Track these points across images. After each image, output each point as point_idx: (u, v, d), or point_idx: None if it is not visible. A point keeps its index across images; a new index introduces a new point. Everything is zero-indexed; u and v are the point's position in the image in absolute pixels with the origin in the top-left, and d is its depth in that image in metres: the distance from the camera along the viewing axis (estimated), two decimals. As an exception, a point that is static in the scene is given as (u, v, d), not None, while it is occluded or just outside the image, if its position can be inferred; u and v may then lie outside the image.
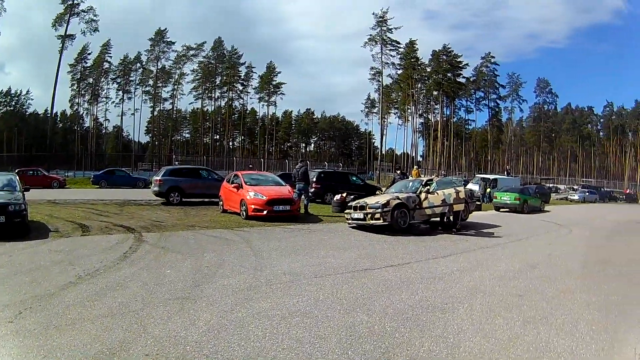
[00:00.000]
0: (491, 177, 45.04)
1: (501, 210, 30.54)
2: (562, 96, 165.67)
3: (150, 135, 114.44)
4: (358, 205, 16.80)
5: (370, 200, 16.86)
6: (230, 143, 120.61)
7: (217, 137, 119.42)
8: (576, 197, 56.86)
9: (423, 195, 16.90)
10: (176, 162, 59.86)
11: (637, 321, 7.02)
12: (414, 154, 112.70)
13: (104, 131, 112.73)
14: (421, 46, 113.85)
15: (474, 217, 22.12)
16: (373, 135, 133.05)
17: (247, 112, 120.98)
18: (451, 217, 16.96)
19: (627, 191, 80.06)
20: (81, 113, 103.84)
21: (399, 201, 16.27)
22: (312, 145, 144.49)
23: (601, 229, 22.94)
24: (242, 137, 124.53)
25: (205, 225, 16.50)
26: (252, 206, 17.77)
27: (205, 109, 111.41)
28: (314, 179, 24.41)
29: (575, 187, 72.07)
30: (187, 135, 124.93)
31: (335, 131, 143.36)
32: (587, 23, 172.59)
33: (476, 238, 16.14)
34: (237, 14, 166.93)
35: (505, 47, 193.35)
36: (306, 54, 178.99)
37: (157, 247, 11.81)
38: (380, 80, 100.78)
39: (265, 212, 17.64)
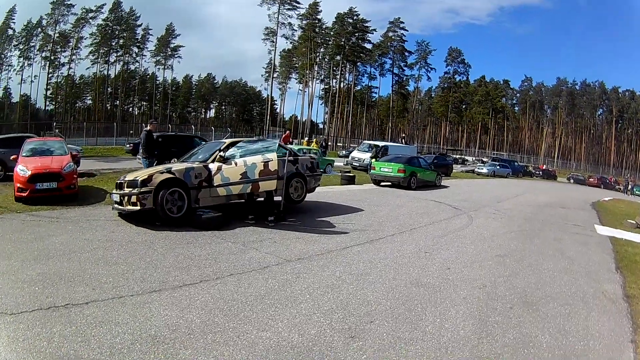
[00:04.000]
0: (381, 143, 38.43)
1: (382, 184, 23.92)
2: (478, 70, 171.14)
3: (53, 103, 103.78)
4: (118, 182, 11.53)
5: (131, 176, 11.36)
6: (131, 109, 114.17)
7: (117, 102, 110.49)
8: (485, 170, 49.85)
9: (215, 167, 11.41)
10: (56, 131, 51.04)
11: None
12: (317, 121, 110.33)
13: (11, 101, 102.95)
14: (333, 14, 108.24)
15: (335, 194, 18.27)
16: (275, 101, 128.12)
17: (148, 76, 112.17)
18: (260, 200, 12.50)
19: (543, 167, 77.67)
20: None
21: (168, 176, 10.85)
22: (213, 110, 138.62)
23: (514, 217, 16.70)
24: (142, 103, 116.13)
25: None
26: (17, 185, 13.28)
27: (102, 73, 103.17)
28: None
29: (485, 159, 66.35)
30: (89, 102, 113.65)
31: (236, 96, 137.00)
32: (515, 3, 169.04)
33: (300, 235, 10.39)
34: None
35: (423, 20, 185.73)
36: (219, 20, 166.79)
37: None
38: (274, 40, 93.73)
39: (27, 191, 13.08)
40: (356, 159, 31.77)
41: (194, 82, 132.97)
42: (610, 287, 8.26)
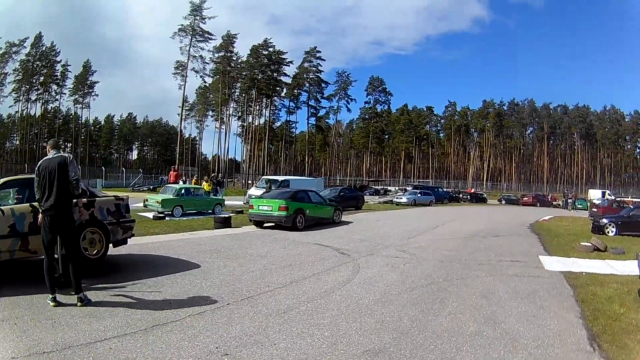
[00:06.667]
0: (280, 178, 35.33)
1: (264, 225, 19.68)
2: (400, 99, 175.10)
3: None
4: None
5: None
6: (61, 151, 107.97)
7: (43, 144, 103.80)
8: (404, 199, 44.82)
9: None
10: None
11: None
12: (238, 159, 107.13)
13: None
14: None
15: (186, 242, 14.54)
16: (195, 140, 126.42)
17: (71, 116, 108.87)
18: None
19: (471, 191, 74.86)
20: None
21: None
22: (135, 152, 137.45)
23: (424, 259, 12.57)
24: (66, 144, 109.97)
25: None
26: None
27: (26, 113, 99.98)
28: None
29: (408, 188, 62.04)
30: (16, 142, 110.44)
31: (157, 136, 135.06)
32: (442, 30, 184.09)
33: (74, 313, 6.82)
34: (83, 10, 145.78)
35: (347, 53, 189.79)
36: (146, 56, 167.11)
37: None
38: (185, 74, 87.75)
39: None
40: (253, 196, 27.92)
41: (115, 122, 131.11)
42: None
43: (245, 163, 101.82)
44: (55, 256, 7.89)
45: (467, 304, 7.81)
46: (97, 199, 9.93)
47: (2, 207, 8.39)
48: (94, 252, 9.56)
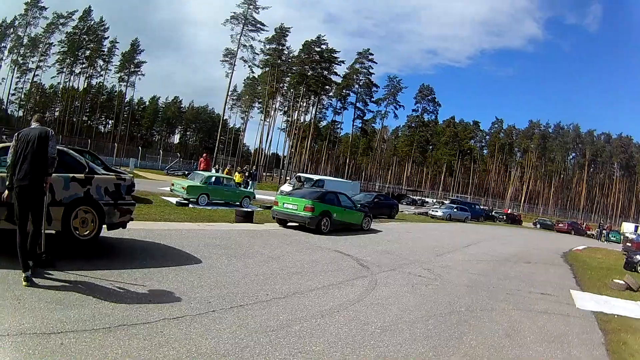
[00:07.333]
0: (315, 177, 34.14)
1: (288, 224, 18.66)
2: (448, 111, 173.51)
3: (23, 109, 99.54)
4: None
5: None
6: (98, 126, 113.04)
7: (85, 118, 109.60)
8: (439, 213, 43.26)
9: None
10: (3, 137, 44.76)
11: None
12: (281, 154, 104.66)
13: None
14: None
15: (196, 233, 13.54)
16: (239, 131, 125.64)
17: (115, 93, 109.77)
18: None
19: (508, 211, 71.38)
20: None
21: None
22: (177, 135, 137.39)
23: (449, 282, 11.54)
24: (108, 121, 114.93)
25: None
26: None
27: (69, 85, 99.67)
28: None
29: (446, 201, 61.10)
30: (57, 114, 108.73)
31: (201, 123, 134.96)
32: (497, 46, 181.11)
33: (51, 296, 6.30)
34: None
35: (402, 60, 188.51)
36: (197, 42, 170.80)
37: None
38: (233, 62, 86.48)
39: None
40: (284, 193, 27.13)
41: (160, 104, 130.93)
42: None
43: (287, 159, 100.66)
44: (42, 232, 7.40)
45: (487, 344, 6.85)
46: (95, 176, 9.19)
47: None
48: (85, 233, 8.93)
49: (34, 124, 7.04)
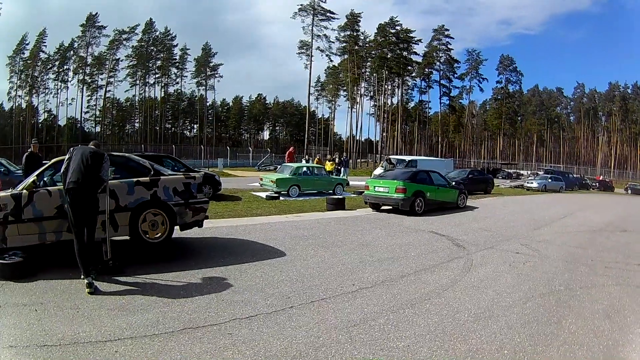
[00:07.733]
0: (408, 158, 33.96)
1: (382, 208, 18.60)
2: (530, 80, 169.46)
3: (100, 125, 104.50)
4: None
5: None
6: (183, 131, 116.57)
7: (168, 125, 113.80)
8: (535, 184, 42.19)
9: (25, 196, 7.92)
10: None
11: None
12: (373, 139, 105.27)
13: (57, 123, 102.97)
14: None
15: (284, 225, 13.73)
16: (328, 120, 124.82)
17: (196, 98, 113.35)
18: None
19: (600, 178, 67.27)
20: (23, 106, 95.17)
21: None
22: (267, 132, 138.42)
23: (547, 258, 10.77)
24: (193, 125, 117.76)
25: None
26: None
27: (146, 96, 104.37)
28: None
29: (540, 172, 59.12)
30: (137, 125, 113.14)
31: (289, 117, 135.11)
32: (564, 10, 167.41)
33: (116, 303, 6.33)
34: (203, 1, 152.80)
35: (476, 33, 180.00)
36: (272, 39, 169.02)
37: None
38: (310, 54, 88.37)
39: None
40: (375, 176, 26.63)
41: (244, 104, 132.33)
42: None
43: (380, 143, 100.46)
44: (103, 237, 7.83)
45: (587, 328, 6.07)
46: (161, 177, 9.08)
47: (49, 188, 8.08)
48: (156, 236, 8.83)
49: (91, 146, 7.37)
